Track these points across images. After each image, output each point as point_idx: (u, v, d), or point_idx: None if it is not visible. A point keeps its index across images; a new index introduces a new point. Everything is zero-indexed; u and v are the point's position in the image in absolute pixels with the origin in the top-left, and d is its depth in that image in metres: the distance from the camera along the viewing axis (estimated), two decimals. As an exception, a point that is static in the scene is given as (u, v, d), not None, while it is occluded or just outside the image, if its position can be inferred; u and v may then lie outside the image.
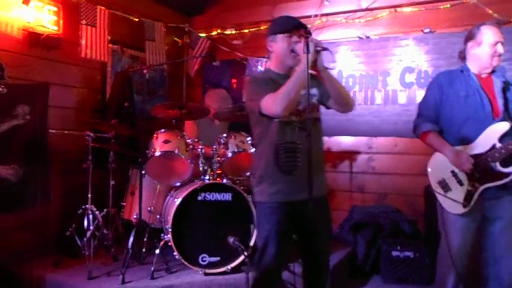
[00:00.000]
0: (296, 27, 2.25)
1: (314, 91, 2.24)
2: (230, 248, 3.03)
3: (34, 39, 3.57)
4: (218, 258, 3.16)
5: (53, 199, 3.76)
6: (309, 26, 4.56)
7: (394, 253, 3.57)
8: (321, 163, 2.34)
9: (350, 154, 4.51)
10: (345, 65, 4.50)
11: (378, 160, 4.38)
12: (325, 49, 2.09)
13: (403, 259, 3.56)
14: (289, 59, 2.24)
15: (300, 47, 2.09)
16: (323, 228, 2.29)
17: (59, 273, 3.21)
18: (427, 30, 4.11)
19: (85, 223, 3.38)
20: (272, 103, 2.07)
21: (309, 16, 4.50)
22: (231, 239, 2.98)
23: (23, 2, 3.37)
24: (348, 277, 3.71)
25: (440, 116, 2.58)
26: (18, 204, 3.50)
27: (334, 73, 4.40)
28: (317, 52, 2.07)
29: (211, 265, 3.15)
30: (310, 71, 2.03)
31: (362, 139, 4.45)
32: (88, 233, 3.31)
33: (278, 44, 2.27)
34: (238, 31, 4.94)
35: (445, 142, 2.52)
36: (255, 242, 2.83)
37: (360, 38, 4.41)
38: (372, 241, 3.82)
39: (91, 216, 3.40)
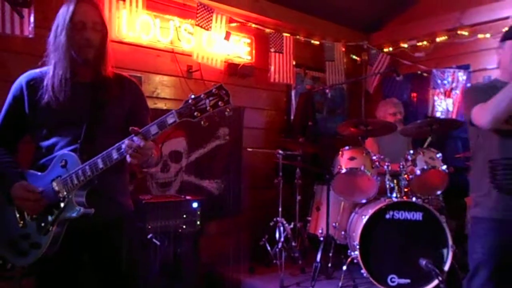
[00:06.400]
0: None
1: None
2: (422, 271, 2.87)
3: (232, 69, 4.09)
4: (408, 280, 3.03)
5: (245, 210, 4.18)
6: (505, 29, 4.08)
7: None
8: None
9: None
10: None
11: None
12: None
13: None
14: None
15: None
16: None
17: (254, 279, 3.53)
18: None
19: (277, 234, 3.65)
20: (480, 113, 1.97)
21: (507, 18, 4.02)
22: (423, 262, 2.81)
23: (225, 38, 3.88)
24: None
25: None
26: (219, 213, 4.00)
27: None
28: None
29: (400, 287, 3.03)
30: None
31: None
32: (279, 244, 3.56)
33: (505, 50, 2.12)
34: (420, 43, 4.73)
35: None
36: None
37: None
38: None
39: (281, 228, 3.65)
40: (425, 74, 4.71)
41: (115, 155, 1.64)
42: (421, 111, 4.77)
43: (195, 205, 3.29)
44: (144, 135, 1.60)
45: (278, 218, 3.72)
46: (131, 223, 1.96)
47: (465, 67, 4.38)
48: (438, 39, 4.53)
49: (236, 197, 4.11)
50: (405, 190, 3.26)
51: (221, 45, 3.92)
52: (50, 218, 1.70)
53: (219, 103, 1.56)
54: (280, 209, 3.74)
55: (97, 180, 1.70)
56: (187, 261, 3.17)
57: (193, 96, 1.58)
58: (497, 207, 2.00)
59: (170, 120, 1.59)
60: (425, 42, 4.69)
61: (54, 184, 1.71)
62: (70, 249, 1.75)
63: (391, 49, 4.98)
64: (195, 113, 1.56)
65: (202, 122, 1.58)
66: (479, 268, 2.01)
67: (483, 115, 1.95)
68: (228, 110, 1.59)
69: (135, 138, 1.59)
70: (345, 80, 4.84)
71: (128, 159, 1.61)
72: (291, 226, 3.79)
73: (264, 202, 4.16)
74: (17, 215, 1.76)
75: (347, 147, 3.47)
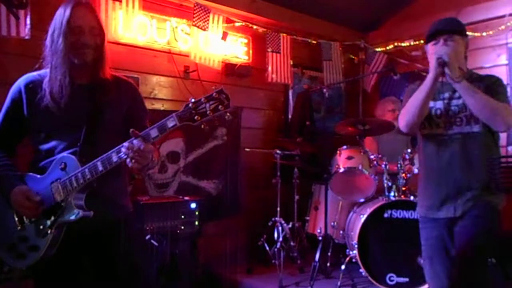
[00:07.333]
0: (436, 33, 2.06)
1: (458, 101, 2.04)
2: (420, 270, 2.88)
3: (230, 69, 4.09)
4: (406, 279, 3.05)
5: (243, 211, 4.18)
6: (501, 27, 4.10)
7: None
8: (473, 181, 1.99)
9: None
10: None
11: None
12: (444, 64, 1.89)
13: None
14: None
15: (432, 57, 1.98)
16: (466, 251, 1.99)
17: (252, 279, 3.53)
18: None
19: (275, 234, 3.65)
20: (400, 117, 2.05)
21: (503, 16, 4.04)
22: (421, 260, 2.84)
23: (222, 38, 3.88)
24: None
25: None
26: (217, 214, 4.00)
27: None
28: (441, 65, 1.91)
29: (399, 285, 3.05)
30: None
31: None
32: (278, 244, 3.56)
33: (429, 52, 2.12)
34: (417, 42, 4.73)
35: None
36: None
37: None
38: None
39: (280, 228, 3.65)
40: (423, 73, 4.72)
41: (115, 158, 1.63)
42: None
43: (193, 205, 3.29)
44: (144, 138, 1.60)
45: (276, 218, 3.72)
46: (130, 225, 1.95)
47: (462, 66, 4.38)
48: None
49: (234, 197, 4.10)
50: (403, 189, 3.28)
51: (218, 45, 3.91)
52: (48, 221, 1.70)
53: (219, 107, 1.56)
54: (278, 209, 3.74)
55: (96, 183, 1.70)
56: (185, 261, 3.17)
57: (193, 100, 1.58)
58: (424, 206, 2.10)
59: (171, 123, 1.59)
60: (422, 41, 4.68)
61: (53, 187, 1.70)
62: (69, 251, 1.74)
63: (388, 48, 4.99)
64: (195, 117, 1.57)
65: (202, 126, 1.59)
66: (425, 259, 2.13)
67: (401, 119, 2.02)
68: (228, 114, 1.59)
69: (135, 141, 1.59)
70: (343, 79, 4.84)
71: (129, 163, 1.61)
72: (290, 225, 3.79)
73: (262, 202, 4.16)
74: (16, 218, 1.75)
75: (345, 147, 3.48)
